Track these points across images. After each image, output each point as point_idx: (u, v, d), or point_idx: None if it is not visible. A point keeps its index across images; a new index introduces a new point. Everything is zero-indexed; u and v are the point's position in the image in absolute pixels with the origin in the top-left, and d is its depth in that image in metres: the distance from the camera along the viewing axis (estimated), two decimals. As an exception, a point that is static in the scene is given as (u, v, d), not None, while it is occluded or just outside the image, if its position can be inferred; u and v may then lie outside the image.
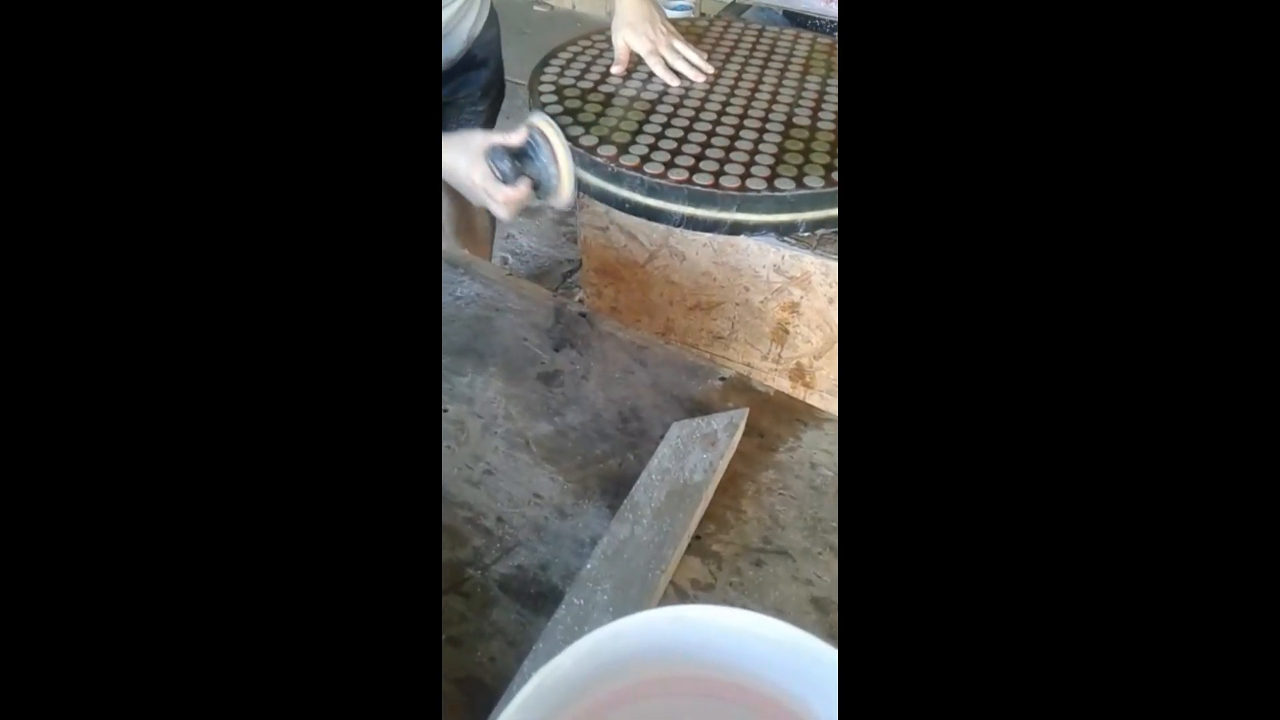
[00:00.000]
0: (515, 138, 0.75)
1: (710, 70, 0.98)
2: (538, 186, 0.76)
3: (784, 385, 0.99)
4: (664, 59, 0.96)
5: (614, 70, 0.98)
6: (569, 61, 1.00)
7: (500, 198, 0.74)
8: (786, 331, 0.97)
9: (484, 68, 1.11)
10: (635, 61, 0.99)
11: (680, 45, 0.98)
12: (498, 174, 0.74)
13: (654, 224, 0.89)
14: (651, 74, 0.98)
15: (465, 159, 0.75)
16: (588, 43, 1.06)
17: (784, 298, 0.94)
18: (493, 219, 1.26)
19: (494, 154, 0.74)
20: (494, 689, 0.45)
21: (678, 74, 0.96)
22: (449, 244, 1.16)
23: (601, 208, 0.96)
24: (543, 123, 0.75)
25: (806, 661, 0.30)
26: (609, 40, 1.03)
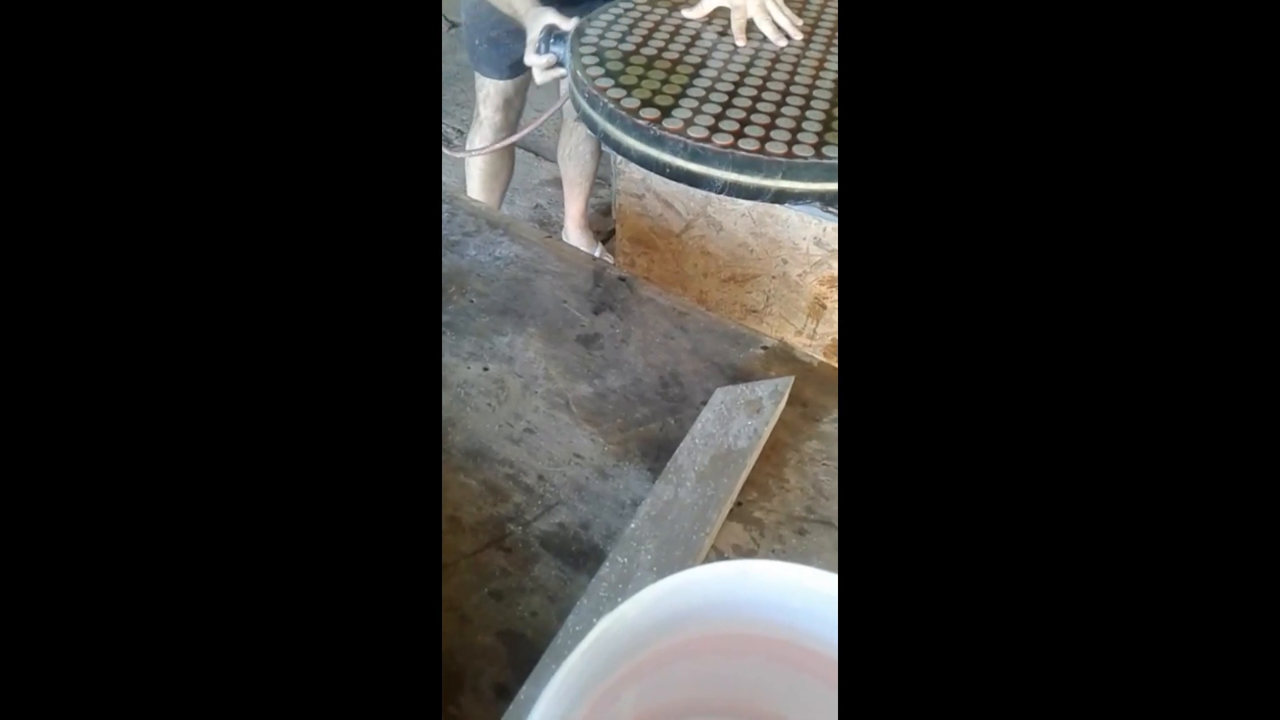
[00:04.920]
0: (566, 24, 0.97)
1: (797, 37, 0.97)
2: (561, 64, 0.98)
3: (817, 361, 0.97)
4: (768, 13, 0.96)
5: (686, 14, 0.99)
6: (609, 24, 0.98)
7: (528, 59, 1.00)
8: (824, 306, 0.95)
9: None
10: (709, 15, 0.98)
11: (773, 7, 0.96)
12: (535, 44, 0.98)
13: (691, 192, 0.87)
14: (696, 36, 0.96)
15: (532, 21, 1.00)
16: (629, 4, 1.04)
17: (823, 271, 0.92)
18: (508, 179, 1.56)
19: (545, 30, 0.97)
20: (535, 642, 0.45)
21: (747, 35, 0.96)
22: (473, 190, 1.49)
23: (639, 174, 0.94)
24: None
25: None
26: (650, 3, 1.01)
